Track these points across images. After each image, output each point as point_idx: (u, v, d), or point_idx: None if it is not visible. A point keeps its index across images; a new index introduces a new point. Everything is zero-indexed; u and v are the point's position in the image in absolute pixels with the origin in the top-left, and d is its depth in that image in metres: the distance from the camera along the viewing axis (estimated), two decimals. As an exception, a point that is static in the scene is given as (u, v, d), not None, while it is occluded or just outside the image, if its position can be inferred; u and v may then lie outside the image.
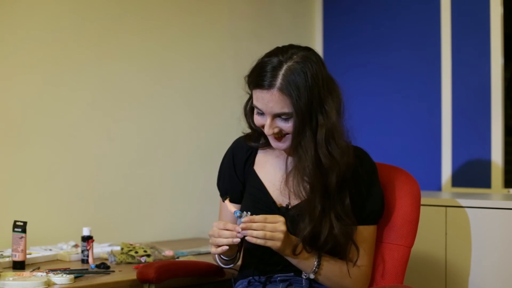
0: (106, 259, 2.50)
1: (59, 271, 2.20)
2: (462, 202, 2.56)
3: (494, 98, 3.12)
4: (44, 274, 2.14)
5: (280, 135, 1.90)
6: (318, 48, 3.75)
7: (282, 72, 1.83)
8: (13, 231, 2.30)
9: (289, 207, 1.96)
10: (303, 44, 1.93)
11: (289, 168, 1.94)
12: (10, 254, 2.38)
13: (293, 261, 1.89)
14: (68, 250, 2.60)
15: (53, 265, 2.40)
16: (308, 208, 1.88)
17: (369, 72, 3.58)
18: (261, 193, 1.99)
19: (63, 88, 2.87)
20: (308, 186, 1.89)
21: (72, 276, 2.14)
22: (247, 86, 1.92)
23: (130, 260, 2.47)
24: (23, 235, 2.29)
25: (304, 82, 1.82)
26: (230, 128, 3.21)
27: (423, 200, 2.25)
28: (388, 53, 3.52)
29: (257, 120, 1.91)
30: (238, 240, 1.81)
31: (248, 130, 2.05)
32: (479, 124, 3.17)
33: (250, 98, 1.95)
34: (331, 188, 1.88)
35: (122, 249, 2.51)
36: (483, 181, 3.16)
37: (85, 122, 2.94)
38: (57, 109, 2.86)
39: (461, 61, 3.25)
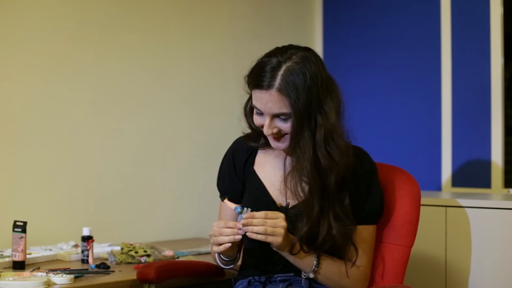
0: (106, 259, 2.50)
1: (59, 271, 2.20)
2: (462, 202, 2.56)
3: (494, 98, 3.12)
4: (44, 274, 2.14)
5: (279, 135, 1.90)
6: (318, 48, 3.75)
7: (281, 73, 1.83)
8: (13, 231, 2.30)
9: (289, 207, 1.96)
10: (303, 44, 1.93)
11: (288, 168, 1.94)
12: (10, 254, 2.38)
13: (292, 259, 1.89)
14: (68, 250, 2.60)
15: (53, 265, 2.40)
16: (306, 208, 1.88)
17: (369, 72, 3.58)
18: (261, 193, 1.99)
19: (63, 88, 2.87)
20: (306, 187, 1.89)
21: (72, 276, 2.14)
22: (247, 86, 1.92)
23: (130, 260, 2.47)
24: (23, 235, 2.29)
25: (302, 83, 1.82)
26: (230, 128, 3.21)
27: (423, 200, 2.25)
28: (388, 53, 3.52)
29: (257, 120, 1.91)
30: (240, 237, 1.81)
31: (248, 130, 2.05)
32: (479, 124, 3.17)
33: (250, 98, 1.95)
34: (330, 189, 1.88)
35: (122, 249, 2.51)
36: (483, 181, 3.15)
37: (85, 122, 2.94)
38: (57, 109, 2.86)
39: (461, 61, 3.25)
